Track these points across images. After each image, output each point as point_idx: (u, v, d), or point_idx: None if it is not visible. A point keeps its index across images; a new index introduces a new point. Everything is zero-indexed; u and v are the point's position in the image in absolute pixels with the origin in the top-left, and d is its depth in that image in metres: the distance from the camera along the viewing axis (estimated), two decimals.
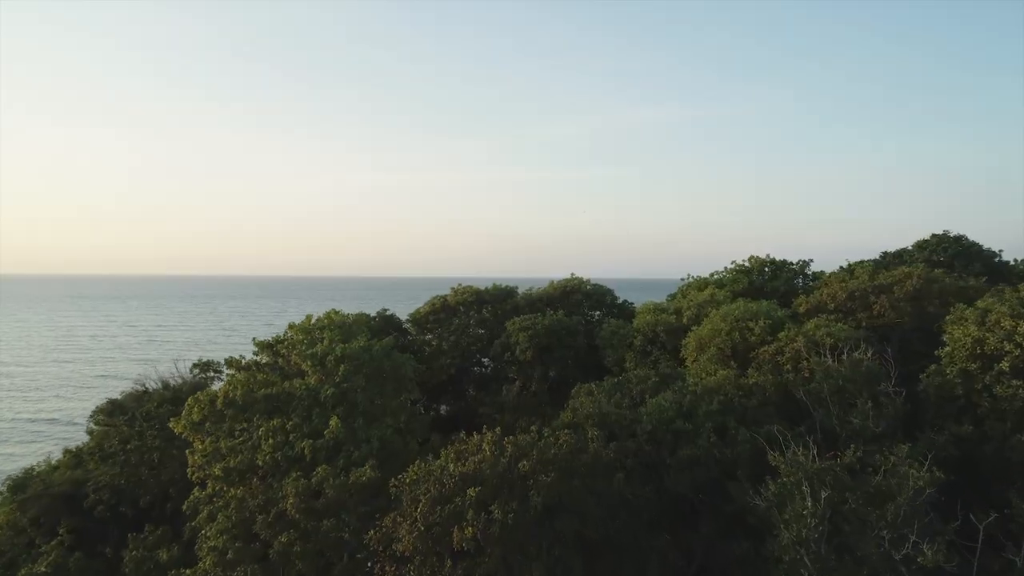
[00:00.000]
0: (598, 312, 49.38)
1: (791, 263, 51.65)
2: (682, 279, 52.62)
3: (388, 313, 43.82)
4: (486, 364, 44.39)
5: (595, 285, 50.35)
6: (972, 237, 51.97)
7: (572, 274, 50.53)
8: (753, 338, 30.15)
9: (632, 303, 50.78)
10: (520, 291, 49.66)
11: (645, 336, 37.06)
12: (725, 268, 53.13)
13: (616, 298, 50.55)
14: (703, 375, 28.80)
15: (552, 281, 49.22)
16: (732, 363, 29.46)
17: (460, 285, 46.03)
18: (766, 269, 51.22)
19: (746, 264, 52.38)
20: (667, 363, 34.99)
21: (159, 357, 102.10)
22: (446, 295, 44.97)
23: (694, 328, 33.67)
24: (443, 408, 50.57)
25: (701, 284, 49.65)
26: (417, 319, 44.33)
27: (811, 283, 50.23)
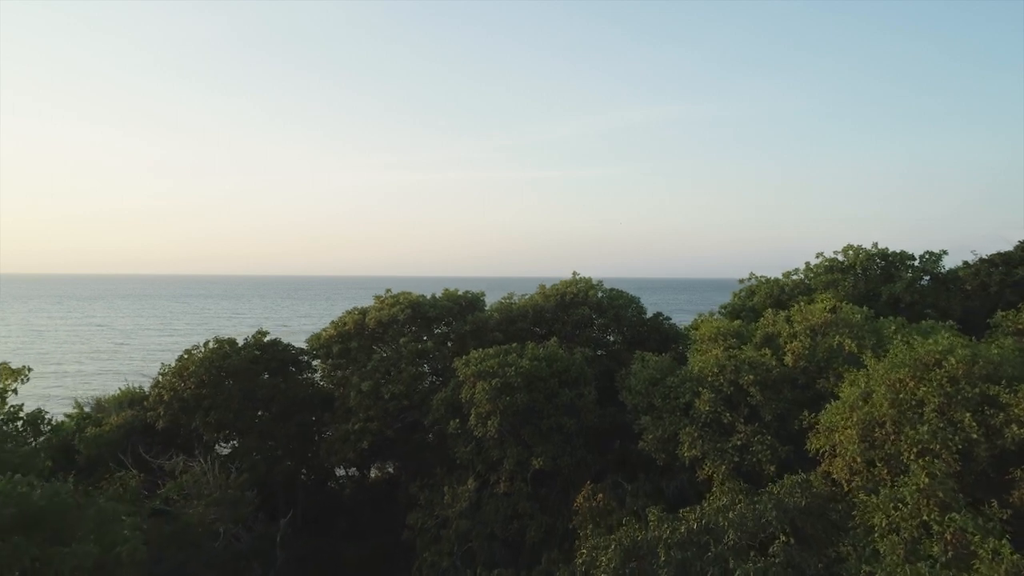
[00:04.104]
0: (613, 335, 30.96)
1: (911, 256, 33.70)
2: (741, 281, 34.61)
3: (270, 339, 25.95)
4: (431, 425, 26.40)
5: (611, 290, 31.86)
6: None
7: (574, 273, 32.18)
8: (1016, 435, 12.36)
9: (670, 318, 32.32)
10: (501, 298, 31.38)
11: (717, 391, 19.12)
12: (807, 264, 35.22)
13: (643, 310, 31.97)
14: (910, 528, 11.10)
15: (542, 286, 30.52)
16: (974, 494, 11.72)
17: (389, 292, 27.73)
18: (875, 265, 33.40)
19: (840, 258, 34.43)
20: (765, 451, 17.26)
21: (119, 368, 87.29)
22: (366, 307, 26.73)
23: (839, 387, 15.64)
24: (389, 467, 33.56)
25: (772, 288, 31.95)
26: (317, 348, 26.29)
27: (948, 286, 32.32)
